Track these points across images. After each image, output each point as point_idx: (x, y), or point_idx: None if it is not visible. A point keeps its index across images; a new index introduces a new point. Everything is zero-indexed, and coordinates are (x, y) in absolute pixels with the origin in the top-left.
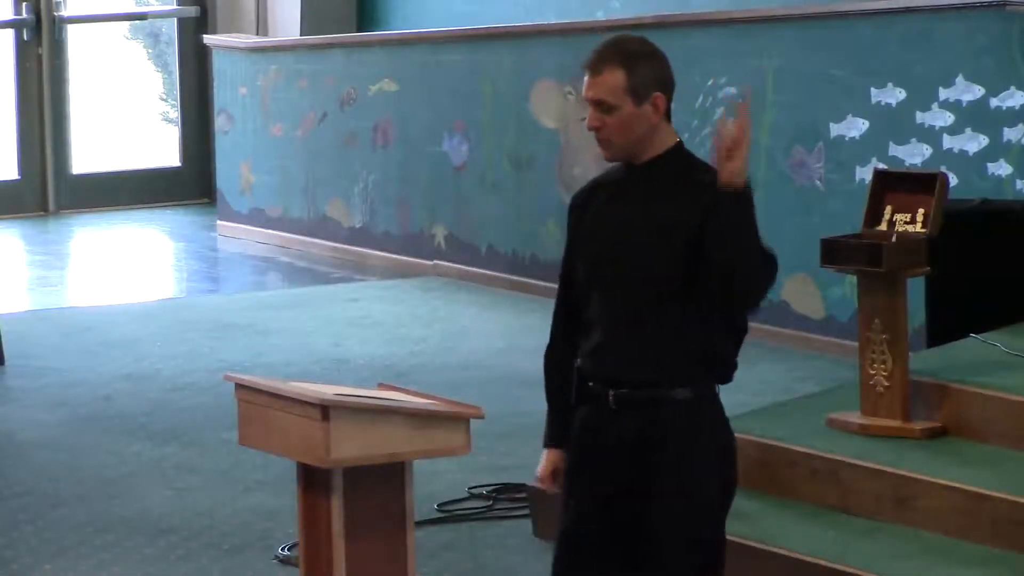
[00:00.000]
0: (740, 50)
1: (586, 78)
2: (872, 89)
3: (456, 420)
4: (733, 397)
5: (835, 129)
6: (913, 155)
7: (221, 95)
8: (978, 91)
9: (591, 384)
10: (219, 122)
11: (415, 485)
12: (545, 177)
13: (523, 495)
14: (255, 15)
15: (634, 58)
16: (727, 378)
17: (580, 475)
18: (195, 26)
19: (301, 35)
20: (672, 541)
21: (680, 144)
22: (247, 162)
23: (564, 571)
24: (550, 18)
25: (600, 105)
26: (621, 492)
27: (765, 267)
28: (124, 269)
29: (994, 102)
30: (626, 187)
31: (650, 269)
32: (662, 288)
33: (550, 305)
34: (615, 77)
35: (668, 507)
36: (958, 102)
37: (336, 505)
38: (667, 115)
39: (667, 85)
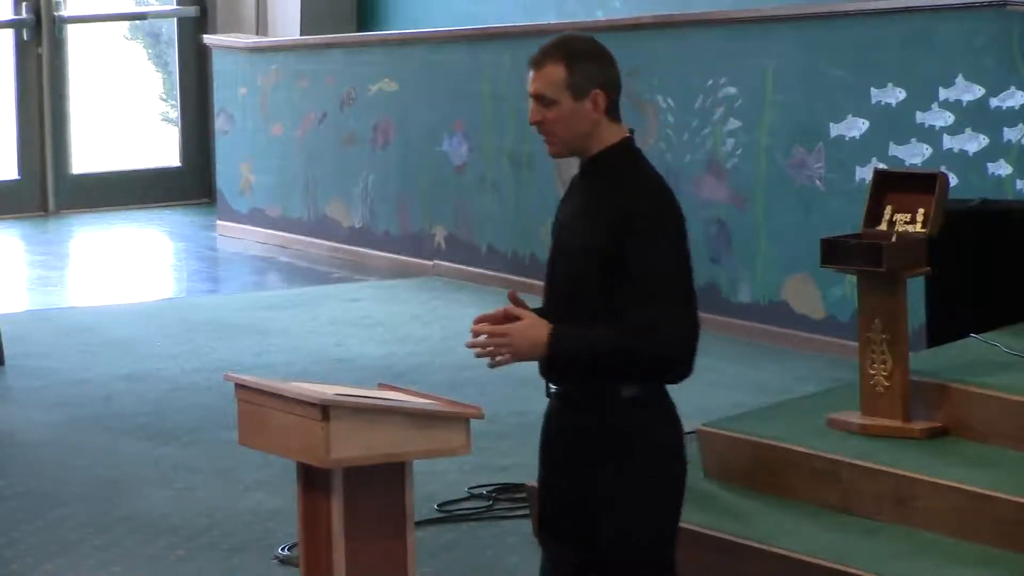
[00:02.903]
0: (740, 50)
1: (529, 73)
2: (872, 89)
3: (456, 420)
4: (733, 397)
5: (835, 129)
6: (913, 155)
7: (221, 95)
8: (978, 91)
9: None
10: (219, 122)
11: (415, 485)
12: (545, 177)
13: (523, 495)
14: (255, 15)
15: (576, 55)
16: (673, 377)
17: (540, 463)
18: (195, 26)
19: (301, 35)
20: (609, 535)
21: (623, 141)
22: (247, 162)
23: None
24: (550, 18)
25: (540, 99)
26: (566, 482)
27: (633, 362)
28: (124, 269)
29: (994, 102)
30: (575, 187)
31: (574, 276)
32: (588, 293)
33: None
34: (555, 72)
35: (606, 502)
36: (958, 102)
37: (336, 505)
38: (612, 113)
39: (608, 83)
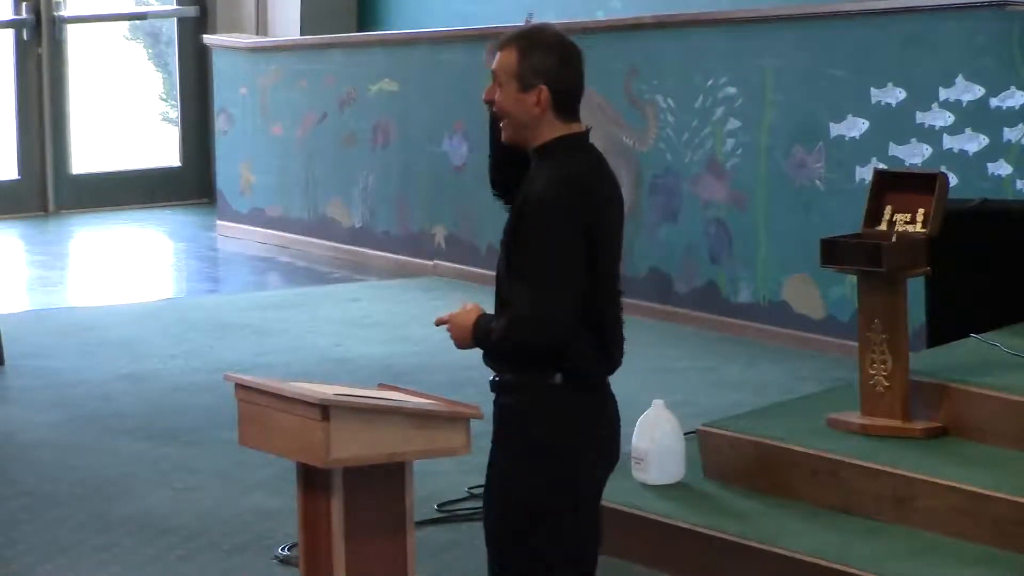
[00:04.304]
0: (740, 50)
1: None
2: (872, 89)
3: (456, 420)
4: (733, 397)
5: (835, 129)
6: (913, 155)
7: (221, 95)
8: (978, 91)
9: None
10: (219, 122)
11: (415, 485)
12: None
13: None
14: (255, 15)
15: (534, 46)
16: (570, 370)
17: None
18: (195, 26)
19: (301, 35)
20: (490, 531)
21: (566, 136)
22: (247, 162)
23: None
24: (550, 18)
25: (494, 78)
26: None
27: (511, 353)
28: (124, 269)
29: (994, 102)
30: None
31: (499, 267)
32: (502, 284)
33: None
34: (510, 57)
35: (494, 482)
36: (958, 102)
37: (336, 505)
38: (561, 111)
39: (557, 81)
